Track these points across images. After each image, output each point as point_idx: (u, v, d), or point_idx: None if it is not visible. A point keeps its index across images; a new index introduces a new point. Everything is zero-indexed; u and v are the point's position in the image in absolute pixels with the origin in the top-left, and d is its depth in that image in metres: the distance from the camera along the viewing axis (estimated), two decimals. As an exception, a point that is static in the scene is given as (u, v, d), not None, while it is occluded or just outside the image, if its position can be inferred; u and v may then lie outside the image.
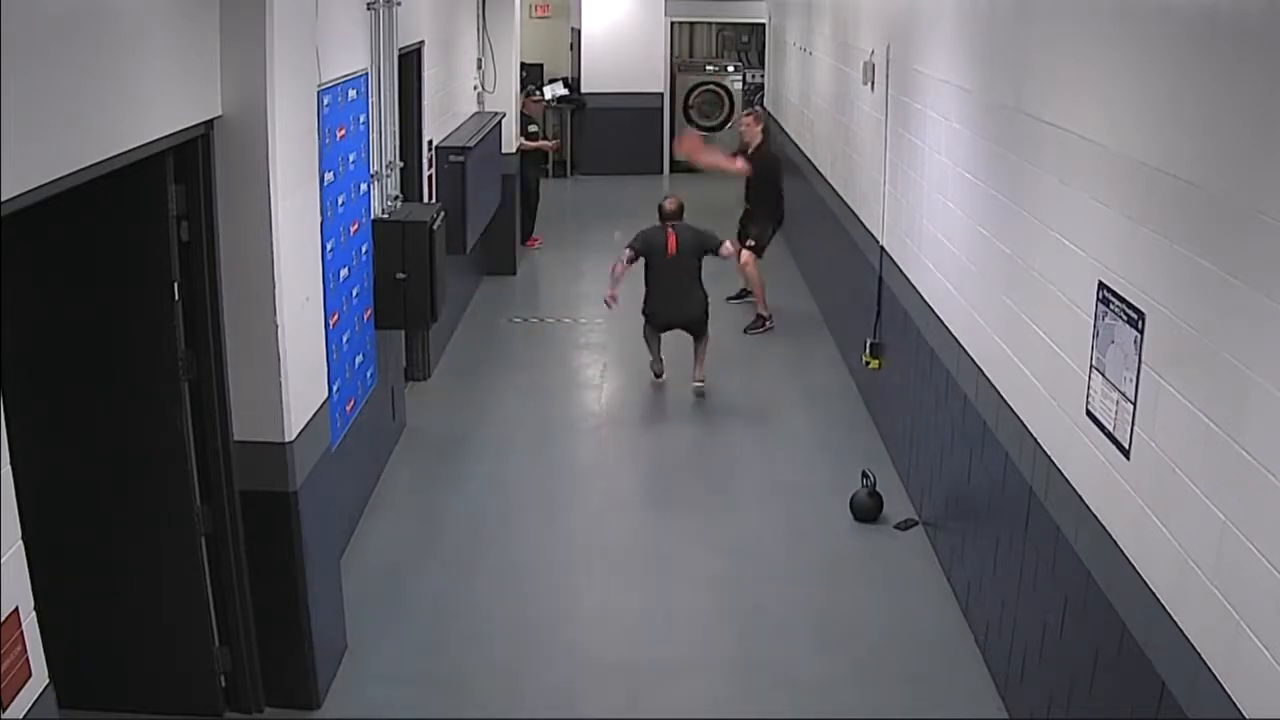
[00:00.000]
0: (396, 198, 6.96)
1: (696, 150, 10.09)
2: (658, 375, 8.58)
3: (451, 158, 8.49)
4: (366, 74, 6.35)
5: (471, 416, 8.04)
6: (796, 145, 12.03)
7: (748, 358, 9.36)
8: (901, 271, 6.95)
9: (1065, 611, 4.17)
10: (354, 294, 6.16)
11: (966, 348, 5.49)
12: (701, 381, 8.45)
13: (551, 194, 15.18)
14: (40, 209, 3.11)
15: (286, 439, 4.50)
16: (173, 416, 4.36)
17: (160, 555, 4.51)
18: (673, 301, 8.41)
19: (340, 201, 5.81)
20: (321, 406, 4.88)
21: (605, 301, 8.57)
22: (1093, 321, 3.90)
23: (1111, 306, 3.75)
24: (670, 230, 8.41)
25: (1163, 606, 3.35)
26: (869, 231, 7.95)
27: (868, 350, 7.70)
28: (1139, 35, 3.71)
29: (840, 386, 8.60)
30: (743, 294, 10.33)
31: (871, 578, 6.04)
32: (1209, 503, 3.12)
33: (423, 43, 7.97)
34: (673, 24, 17.25)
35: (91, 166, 3.33)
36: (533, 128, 12.70)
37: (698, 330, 8.53)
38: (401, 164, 7.09)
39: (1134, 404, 3.58)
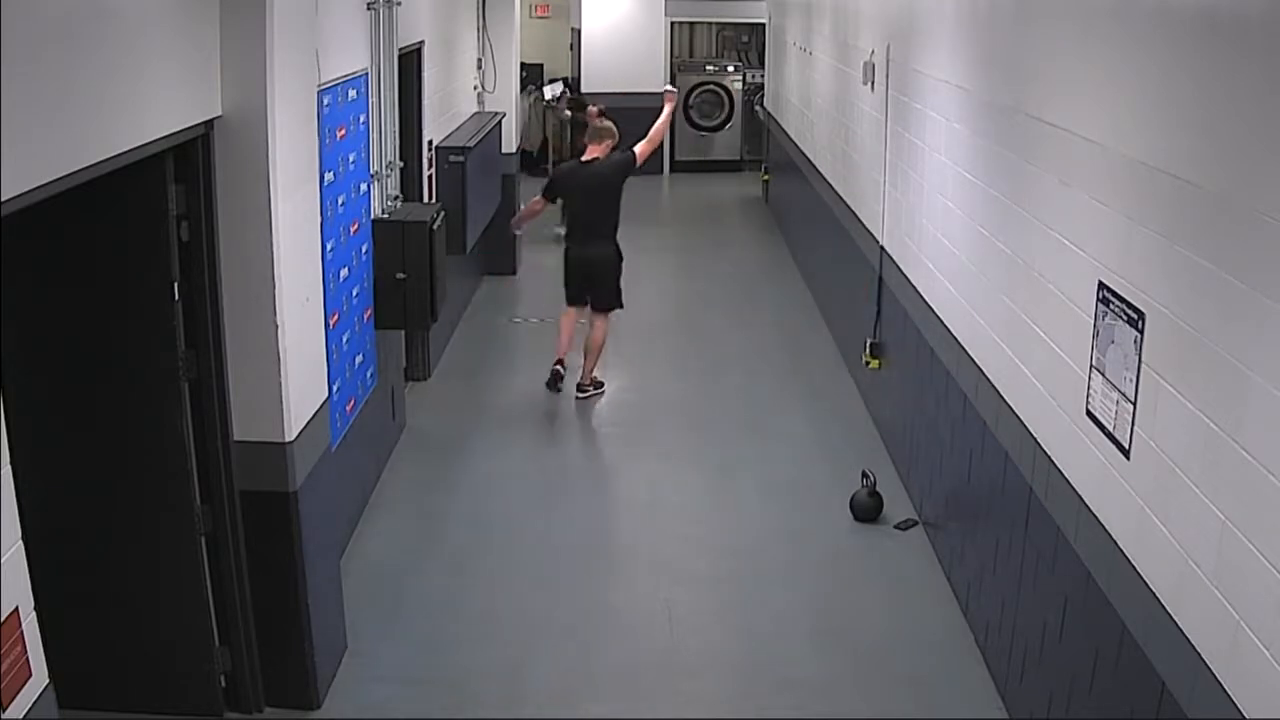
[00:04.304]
0: (396, 198, 6.96)
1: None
2: None
3: (451, 158, 8.49)
4: (366, 74, 6.35)
5: (471, 416, 8.04)
6: (797, 145, 12.03)
7: (747, 358, 9.36)
8: (901, 271, 6.95)
9: (1065, 611, 4.17)
10: (354, 294, 6.16)
11: (966, 348, 5.49)
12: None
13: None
14: (41, 209, 3.11)
15: (286, 439, 4.50)
16: (173, 416, 4.35)
17: (160, 555, 4.51)
18: None
19: (340, 201, 5.80)
20: (321, 406, 4.88)
21: None
22: (1093, 321, 3.90)
23: (1111, 306, 3.75)
24: None
25: (1163, 606, 3.35)
26: (869, 231, 7.95)
27: (868, 350, 7.70)
28: (1139, 35, 3.71)
29: (840, 386, 8.60)
30: None
31: (871, 578, 6.04)
32: (1209, 503, 3.12)
33: (423, 43, 7.97)
34: (673, 24, 17.26)
35: (92, 166, 3.32)
36: None
37: None
38: (401, 164, 7.09)
39: (1134, 404, 3.58)
